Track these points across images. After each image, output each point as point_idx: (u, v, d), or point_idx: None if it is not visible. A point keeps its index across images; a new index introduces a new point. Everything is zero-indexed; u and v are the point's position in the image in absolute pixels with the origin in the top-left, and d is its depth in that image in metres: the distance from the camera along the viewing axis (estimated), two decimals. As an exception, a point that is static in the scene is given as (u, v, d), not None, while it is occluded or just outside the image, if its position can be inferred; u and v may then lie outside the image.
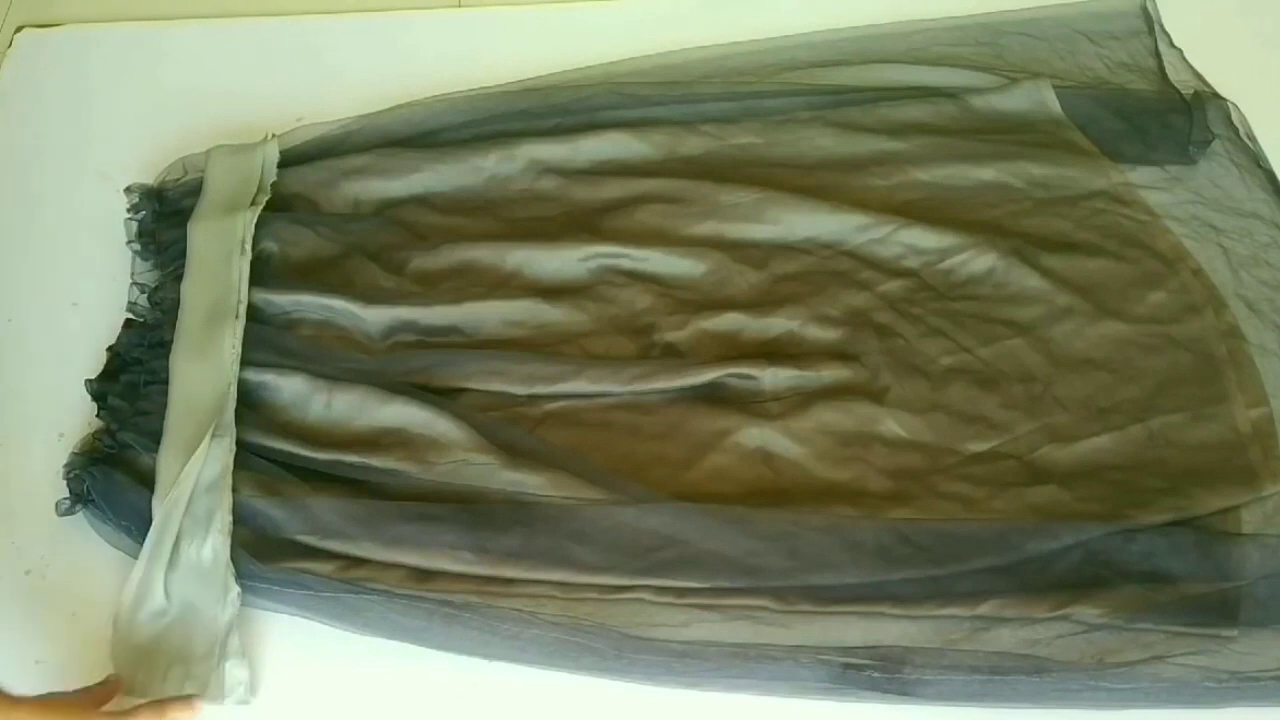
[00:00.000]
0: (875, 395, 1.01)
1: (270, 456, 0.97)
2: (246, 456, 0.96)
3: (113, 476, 0.96)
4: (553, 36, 1.34)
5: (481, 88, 1.23)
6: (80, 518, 0.97)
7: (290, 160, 1.16)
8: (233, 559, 0.91)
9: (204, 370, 0.99)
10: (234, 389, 0.98)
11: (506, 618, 0.90)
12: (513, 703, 0.89)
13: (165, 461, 0.94)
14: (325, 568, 0.91)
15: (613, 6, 1.38)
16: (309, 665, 0.91)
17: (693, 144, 1.19)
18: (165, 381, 1.00)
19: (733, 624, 0.89)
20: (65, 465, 0.97)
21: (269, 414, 1.00)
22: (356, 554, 0.92)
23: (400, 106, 1.21)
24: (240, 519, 0.93)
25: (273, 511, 0.93)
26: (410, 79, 1.28)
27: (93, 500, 0.96)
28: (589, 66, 1.27)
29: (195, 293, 1.04)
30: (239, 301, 1.02)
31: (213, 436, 0.94)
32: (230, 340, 1.00)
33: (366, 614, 0.91)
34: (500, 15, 1.38)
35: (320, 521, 0.93)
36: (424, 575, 0.91)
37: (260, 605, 0.93)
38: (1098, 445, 0.99)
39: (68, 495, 0.96)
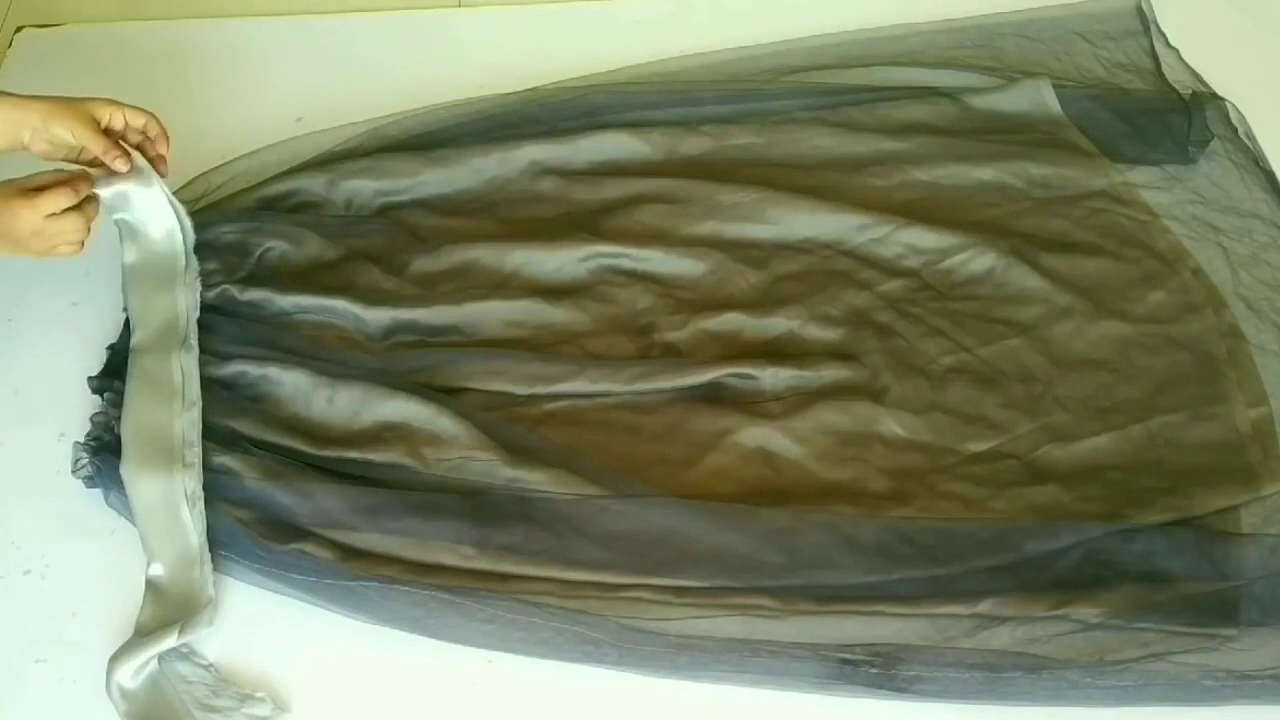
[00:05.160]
0: (875, 395, 1.02)
1: (273, 452, 0.97)
2: (250, 449, 0.97)
3: (114, 461, 0.96)
4: (552, 36, 1.35)
5: (481, 96, 1.24)
6: (80, 519, 0.97)
7: (295, 167, 1.17)
8: (239, 540, 0.92)
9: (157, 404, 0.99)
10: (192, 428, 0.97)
11: (505, 608, 0.90)
12: (511, 692, 0.89)
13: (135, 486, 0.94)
14: (328, 554, 0.92)
15: (612, 6, 1.38)
16: (309, 649, 0.91)
17: (692, 144, 1.20)
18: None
19: (732, 621, 0.90)
20: (74, 458, 0.98)
21: (271, 407, 1.00)
22: (359, 545, 0.93)
23: (401, 116, 1.22)
24: (248, 503, 0.94)
25: (279, 497, 0.94)
26: (410, 78, 1.28)
27: (99, 484, 0.97)
28: (588, 75, 1.27)
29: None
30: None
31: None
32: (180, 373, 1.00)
33: (367, 601, 0.91)
34: (500, 15, 1.39)
35: (324, 510, 0.94)
36: (425, 569, 0.92)
37: (265, 585, 0.93)
38: (1098, 445, 0.99)
39: (87, 464, 0.98)
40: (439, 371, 1.02)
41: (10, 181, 0.93)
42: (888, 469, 0.98)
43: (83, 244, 0.97)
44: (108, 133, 0.99)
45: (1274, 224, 1.13)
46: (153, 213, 1.04)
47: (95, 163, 1.00)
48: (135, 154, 1.01)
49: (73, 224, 0.95)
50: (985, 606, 0.89)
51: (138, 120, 1.01)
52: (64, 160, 1.00)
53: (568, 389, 1.01)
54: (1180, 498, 0.95)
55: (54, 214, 0.93)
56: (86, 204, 0.96)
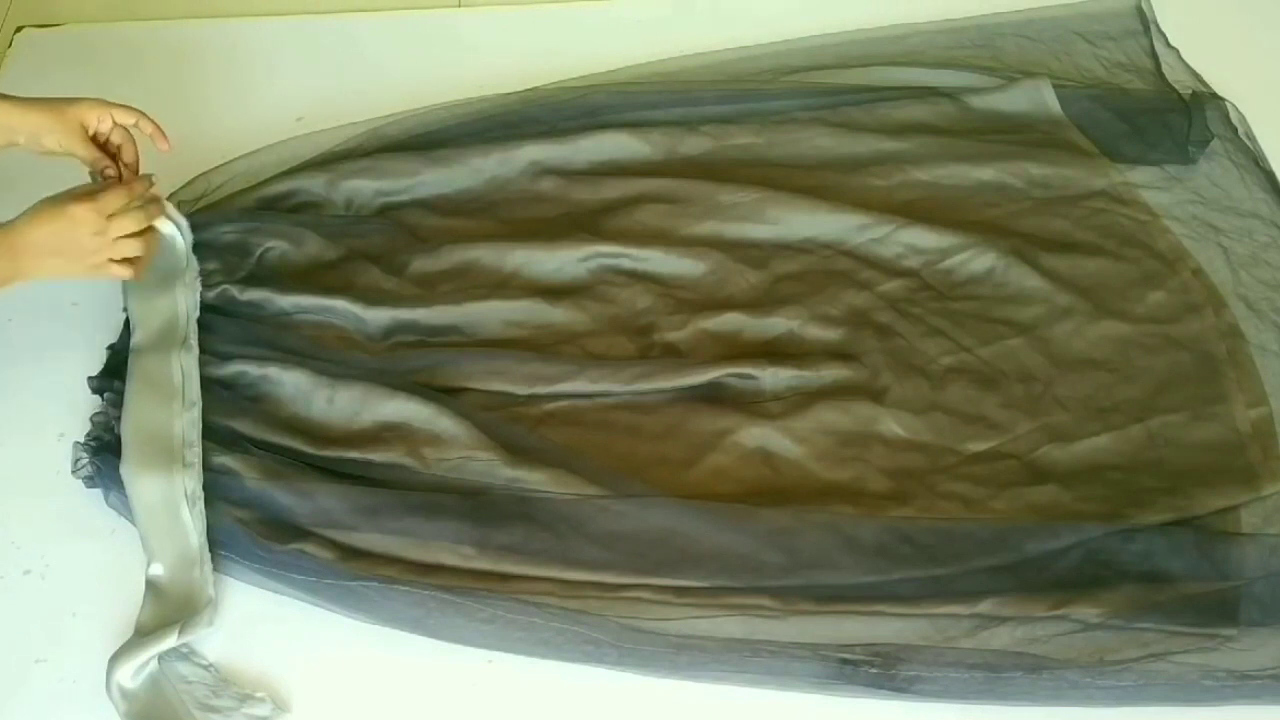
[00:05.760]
0: (875, 395, 1.02)
1: (273, 452, 0.97)
2: (250, 449, 0.97)
3: (114, 461, 0.96)
4: (552, 36, 1.35)
5: (481, 96, 1.24)
6: (80, 519, 0.97)
7: (295, 167, 1.17)
8: (239, 540, 0.92)
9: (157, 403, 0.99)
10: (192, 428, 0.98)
11: (505, 608, 0.90)
12: (511, 692, 0.89)
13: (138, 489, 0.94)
14: (328, 554, 0.92)
15: (611, 6, 1.39)
16: (309, 649, 0.91)
17: (692, 144, 1.20)
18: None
19: (732, 621, 0.90)
20: (74, 458, 0.98)
21: (271, 407, 1.01)
22: (359, 545, 0.93)
23: (401, 116, 1.22)
24: (248, 503, 0.94)
25: (279, 497, 0.94)
26: (410, 78, 1.29)
27: (99, 484, 0.97)
28: (588, 75, 1.27)
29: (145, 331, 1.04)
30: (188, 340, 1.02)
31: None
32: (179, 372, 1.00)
33: (367, 601, 0.91)
34: (500, 15, 1.39)
35: (324, 510, 0.94)
36: (425, 569, 0.92)
37: (265, 585, 0.93)
38: (1098, 445, 0.99)
39: (87, 464, 0.98)
40: (439, 371, 1.02)
41: (58, 194, 0.93)
42: (888, 469, 0.98)
43: (139, 256, 0.97)
44: (96, 137, 1.00)
45: (1274, 224, 1.13)
46: None
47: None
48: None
49: (132, 221, 0.95)
50: (985, 606, 0.89)
51: (127, 119, 1.01)
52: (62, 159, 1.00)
53: (568, 389, 1.01)
54: (1180, 498, 0.95)
55: (115, 215, 0.93)
56: (149, 233, 0.98)
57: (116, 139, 1.01)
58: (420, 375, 1.02)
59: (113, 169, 1.00)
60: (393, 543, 0.93)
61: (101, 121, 0.99)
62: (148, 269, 1.02)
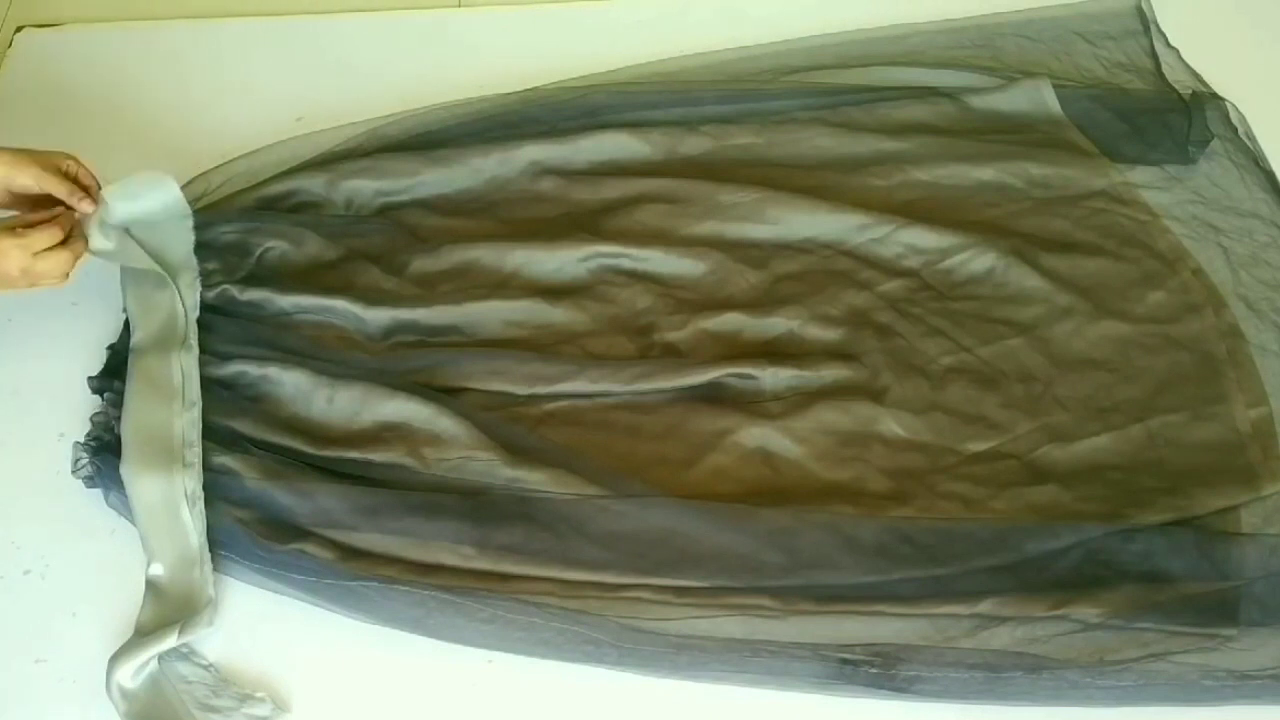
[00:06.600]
0: (875, 395, 1.02)
1: (273, 451, 0.97)
2: (250, 449, 0.97)
3: (114, 461, 0.96)
4: (552, 36, 1.35)
5: (481, 96, 1.24)
6: (80, 519, 0.97)
7: (295, 167, 1.17)
8: (239, 540, 0.93)
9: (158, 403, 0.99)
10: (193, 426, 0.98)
11: (505, 608, 0.90)
12: (511, 692, 0.89)
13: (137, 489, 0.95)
14: (328, 554, 0.92)
15: (611, 6, 1.39)
16: (309, 649, 0.91)
17: (692, 144, 1.20)
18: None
19: (732, 621, 0.90)
20: (74, 458, 0.98)
21: (271, 407, 1.01)
22: (359, 545, 0.93)
23: (401, 116, 1.22)
24: (248, 503, 0.94)
25: (279, 497, 0.94)
26: (410, 78, 1.29)
27: (99, 484, 0.97)
28: (588, 75, 1.27)
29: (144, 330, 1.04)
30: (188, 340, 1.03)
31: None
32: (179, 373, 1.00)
33: (367, 601, 0.91)
34: (500, 15, 1.39)
35: (324, 510, 0.94)
36: (425, 569, 0.92)
37: (265, 585, 0.93)
38: (1098, 445, 0.99)
39: (87, 464, 0.98)
40: (439, 371, 1.02)
41: None
42: (888, 469, 0.98)
43: (67, 275, 0.98)
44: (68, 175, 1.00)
45: (1274, 224, 1.13)
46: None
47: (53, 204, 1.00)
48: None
49: (58, 261, 0.96)
50: (985, 606, 0.90)
51: (86, 180, 1.02)
52: (16, 211, 1.00)
53: (568, 389, 1.01)
54: (1180, 498, 0.95)
55: (41, 252, 0.95)
56: (74, 242, 0.98)
57: (85, 180, 1.02)
58: (420, 375, 1.02)
59: (88, 201, 1.00)
60: (393, 543, 0.93)
61: (70, 168, 1.01)
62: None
